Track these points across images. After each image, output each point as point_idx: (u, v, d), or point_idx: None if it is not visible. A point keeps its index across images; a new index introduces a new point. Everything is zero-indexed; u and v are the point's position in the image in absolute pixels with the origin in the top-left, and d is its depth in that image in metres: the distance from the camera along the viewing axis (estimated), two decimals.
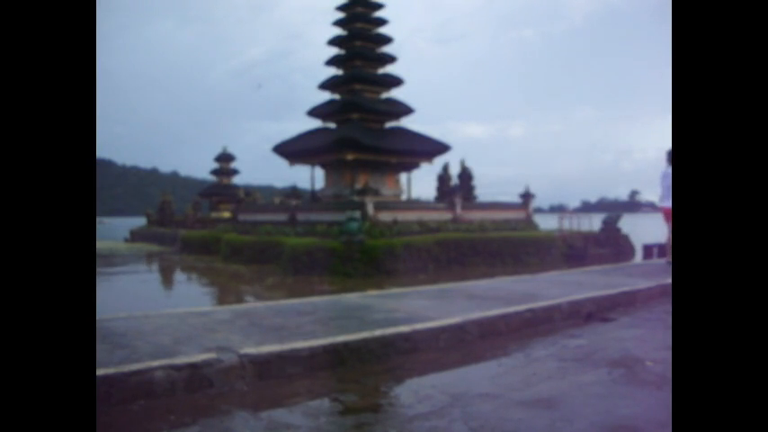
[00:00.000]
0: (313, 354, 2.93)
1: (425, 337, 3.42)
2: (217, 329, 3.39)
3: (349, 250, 14.34)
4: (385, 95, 22.84)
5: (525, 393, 2.64)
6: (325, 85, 22.78)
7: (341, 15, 22.57)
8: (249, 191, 29.93)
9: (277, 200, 24.58)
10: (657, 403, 2.43)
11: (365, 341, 3.15)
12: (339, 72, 22.73)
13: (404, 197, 22.83)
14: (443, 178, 25.74)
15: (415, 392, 2.62)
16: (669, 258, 7.84)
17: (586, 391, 2.62)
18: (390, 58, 22.87)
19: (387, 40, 22.75)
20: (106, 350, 2.81)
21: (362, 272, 13.94)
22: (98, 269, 15.29)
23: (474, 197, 24.45)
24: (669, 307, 4.64)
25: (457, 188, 24.33)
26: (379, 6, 22.71)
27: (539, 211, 27.06)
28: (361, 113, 21.42)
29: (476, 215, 20.61)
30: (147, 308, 4.52)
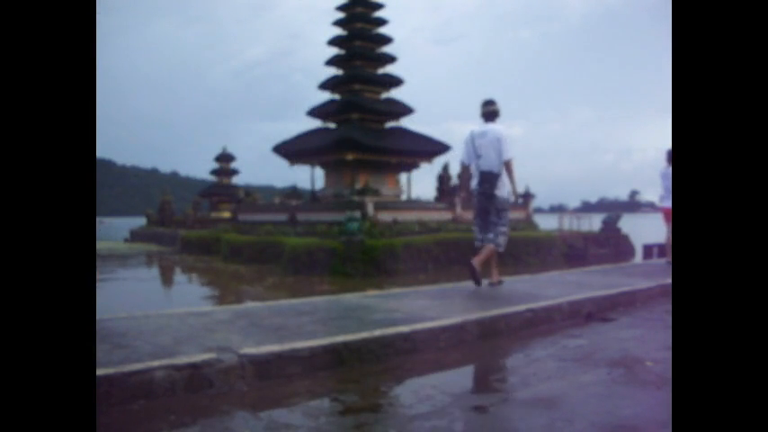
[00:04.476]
0: (313, 354, 2.93)
1: (425, 337, 3.42)
2: (217, 329, 3.39)
3: (349, 250, 14.34)
4: (385, 95, 22.85)
5: (525, 393, 2.64)
6: (325, 85, 22.78)
7: (341, 15, 22.58)
8: (249, 191, 29.93)
9: (277, 200, 24.58)
10: (657, 403, 2.43)
11: (365, 341, 3.15)
12: (339, 72, 22.74)
13: (404, 197, 22.84)
14: (443, 178, 25.73)
15: (415, 392, 2.62)
16: (669, 258, 7.84)
17: (586, 391, 2.62)
18: (390, 58, 22.88)
19: (387, 40, 22.76)
20: (106, 350, 2.81)
21: (362, 272, 13.95)
22: (98, 269, 15.28)
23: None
24: (669, 307, 4.64)
25: (457, 188, 24.34)
26: (379, 6, 22.71)
27: (539, 211, 27.07)
28: (361, 113, 21.43)
29: None
30: (147, 308, 4.52)
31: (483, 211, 5.52)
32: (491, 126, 5.47)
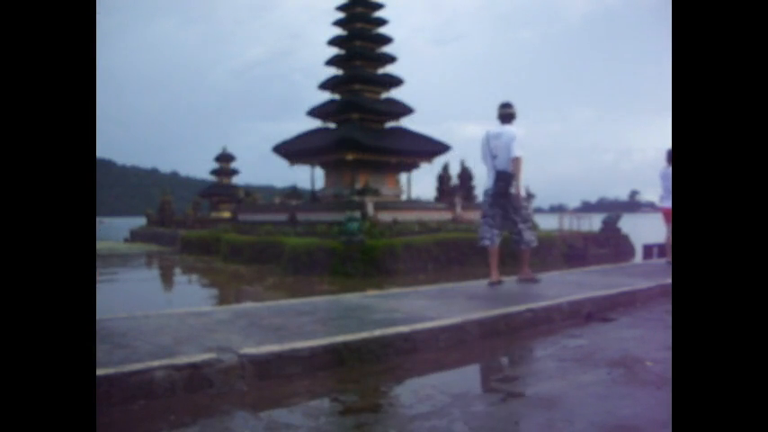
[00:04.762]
0: (313, 354, 2.93)
1: (425, 337, 3.42)
2: (217, 329, 3.39)
3: (349, 250, 14.34)
4: (385, 95, 22.85)
5: (525, 393, 2.64)
6: (325, 85, 22.78)
7: (341, 15, 22.58)
8: (249, 191, 29.94)
9: (277, 200, 24.60)
10: (657, 403, 2.43)
11: (365, 341, 3.15)
12: (339, 72, 22.74)
13: (404, 197, 22.83)
14: (443, 178, 25.72)
15: (415, 392, 2.62)
16: (669, 258, 7.84)
17: (586, 391, 2.62)
18: (390, 58, 22.88)
19: (387, 40, 22.76)
20: (106, 350, 2.81)
21: (362, 272, 13.94)
22: (98, 269, 15.28)
23: (474, 197, 24.44)
24: (669, 307, 4.64)
25: (457, 188, 24.35)
26: (379, 6, 22.71)
27: (539, 211, 27.07)
28: (361, 113, 21.43)
29: (476, 215, 20.53)
30: (147, 308, 4.52)
31: (498, 209, 5.72)
32: (507, 128, 5.67)
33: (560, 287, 5.38)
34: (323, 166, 22.87)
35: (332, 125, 22.68)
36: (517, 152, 5.50)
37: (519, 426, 2.22)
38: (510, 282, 5.95)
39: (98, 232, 28.87)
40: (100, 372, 2.36)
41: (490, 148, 5.66)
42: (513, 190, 5.56)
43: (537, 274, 6.15)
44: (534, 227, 5.83)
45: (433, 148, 22.83)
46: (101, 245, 26.46)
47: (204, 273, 16.73)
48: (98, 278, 13.48)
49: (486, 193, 5.79)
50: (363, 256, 14.29)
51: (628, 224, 21.61)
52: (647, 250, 15.47)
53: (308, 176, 35.13)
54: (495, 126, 5.76)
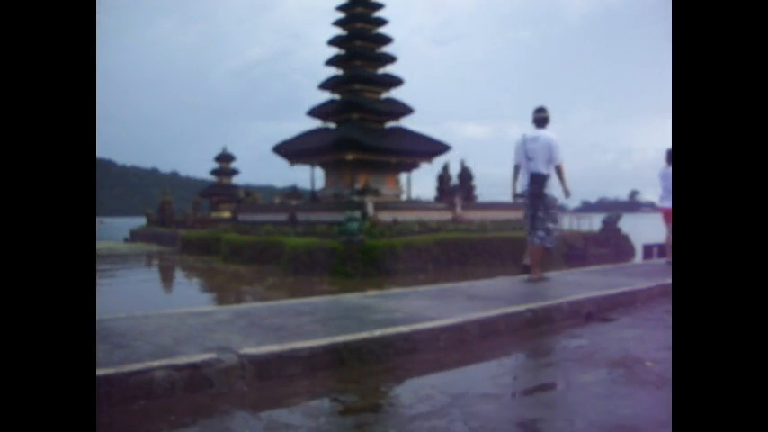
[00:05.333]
0: (313, 354, 2.93)
1: (425, 337, 3.42)
2: (217, 329, 3.39)
3: (349, 250, 14.34)
4: (385, 95, 22.87)
5: (525, 393, 2.64)
6: (325, 85, 22.80)
7: (341, 15, 22.61)
8: (249, 191, 29.98)
9: (277, 200, 24.63)
10: (657, 403, 2.43)
11: (365, 341, 3.15)
12: (339, 72, 22.76)
13: (404, 197, 22.85)
14: (443, 178, 25.74)
15: (415, 392, 2.62)
16: (669, 258, 7.84)
17: (586, 391, 2.62)
18: (390, 58, 22.90)
19: (387, 40, 22.78)
20: (106, 350, 2.81)
21: (362, 272, 13.95)
22: (98, 269, 15.28)
23: (474, 197, 24.47)
24: (669, 307, 4.64)
25: (457, 188, 24.37)
26: (379, 6, 22.73)
27: None
28: (361, 113, 21.44)
29: (476, 215, 20.62)
30: (147, 308, 4.52)
31: (533, 209, 6.04)
32: (542, 132, 5.96)
33: (560, 287, 5.38)
34: (323, 166, 22.89)
35: (332, 125, 22.70)
36: (559, 159, 5.84)
37: (519, 426, 2.22)
38: (514, 281, 5.95)
39: (98, 232, 28.90)
40: (100, 372, 2.35)
41: (526, 150, 5.88)
42: (546, 191, 5.85)
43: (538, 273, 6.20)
44: (556, 229, 6.25)
45: (432, 148, 22.85)
46: (101, 245, 26.48)
47: (204, 273, 16.73)
48: (98, 278, 13.49)
49: (522, 195, 6.08)
50: (363, 256, 14.29)
51: (628, 224, 21.63)
52: (647, 250, 15.49)
53: (308, 176, 35.15)
54: (531, 130, 6.01)
